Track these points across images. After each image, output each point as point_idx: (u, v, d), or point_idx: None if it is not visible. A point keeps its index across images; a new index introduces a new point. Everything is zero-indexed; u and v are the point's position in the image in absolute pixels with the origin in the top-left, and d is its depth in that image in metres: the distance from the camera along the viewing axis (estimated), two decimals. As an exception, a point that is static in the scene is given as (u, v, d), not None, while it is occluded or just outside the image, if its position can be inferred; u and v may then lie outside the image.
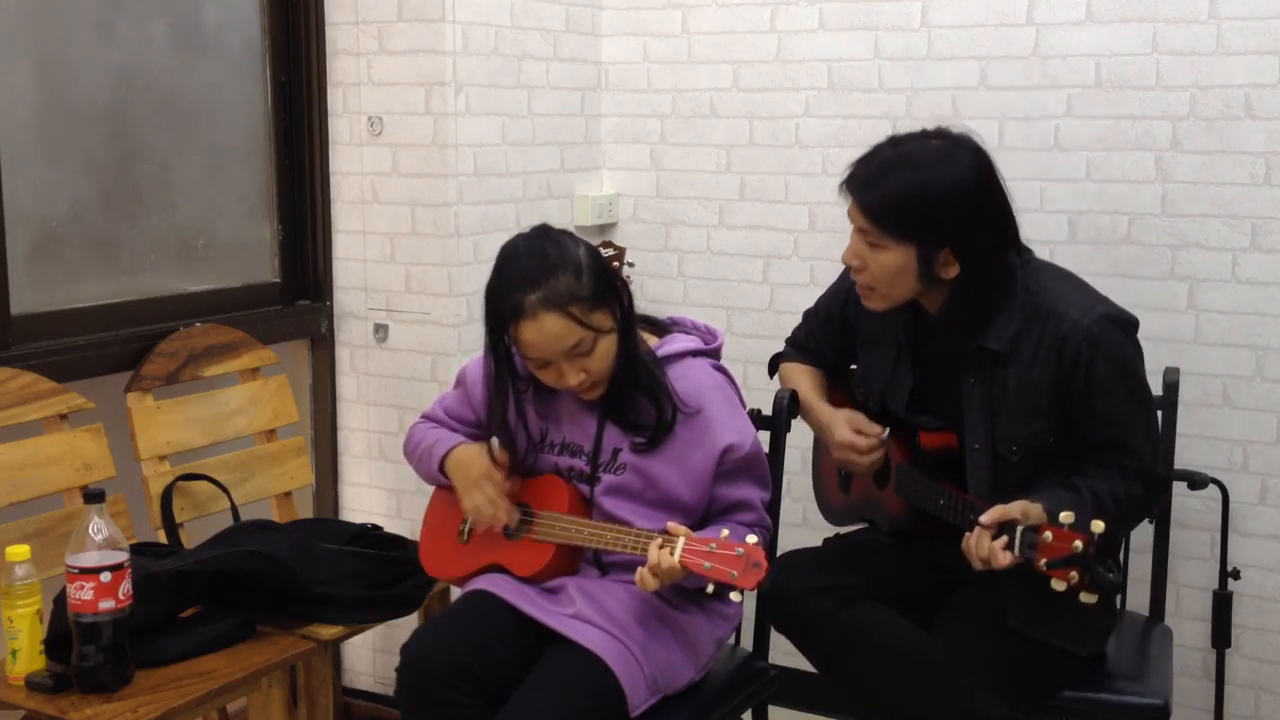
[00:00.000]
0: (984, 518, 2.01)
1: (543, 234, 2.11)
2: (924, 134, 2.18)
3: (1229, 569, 2.73)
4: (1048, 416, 2.18)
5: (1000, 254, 2.18)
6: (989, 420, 2.21)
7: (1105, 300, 2.20)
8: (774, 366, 2.64)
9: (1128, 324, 2.18)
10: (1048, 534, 1.94)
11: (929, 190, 2.09)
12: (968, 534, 2.05)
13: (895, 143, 2.17)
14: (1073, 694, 2.24)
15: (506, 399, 2.20)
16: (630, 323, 2.14)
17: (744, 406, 2.25)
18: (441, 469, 2.29)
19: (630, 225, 3.43)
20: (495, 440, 2.25)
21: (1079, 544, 1.90)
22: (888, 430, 2.35)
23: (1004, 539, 1.99)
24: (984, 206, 2.15)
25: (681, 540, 1.98)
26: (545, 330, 2.04)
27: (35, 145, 2.53)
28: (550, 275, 2.04)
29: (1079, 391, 2.15)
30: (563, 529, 2.15)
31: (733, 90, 3.26)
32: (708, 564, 1.94)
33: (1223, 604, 2.73)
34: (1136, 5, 2.80)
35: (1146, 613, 2.60)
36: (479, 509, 2.21)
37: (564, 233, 2.13)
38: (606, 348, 2.09)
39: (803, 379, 2.51)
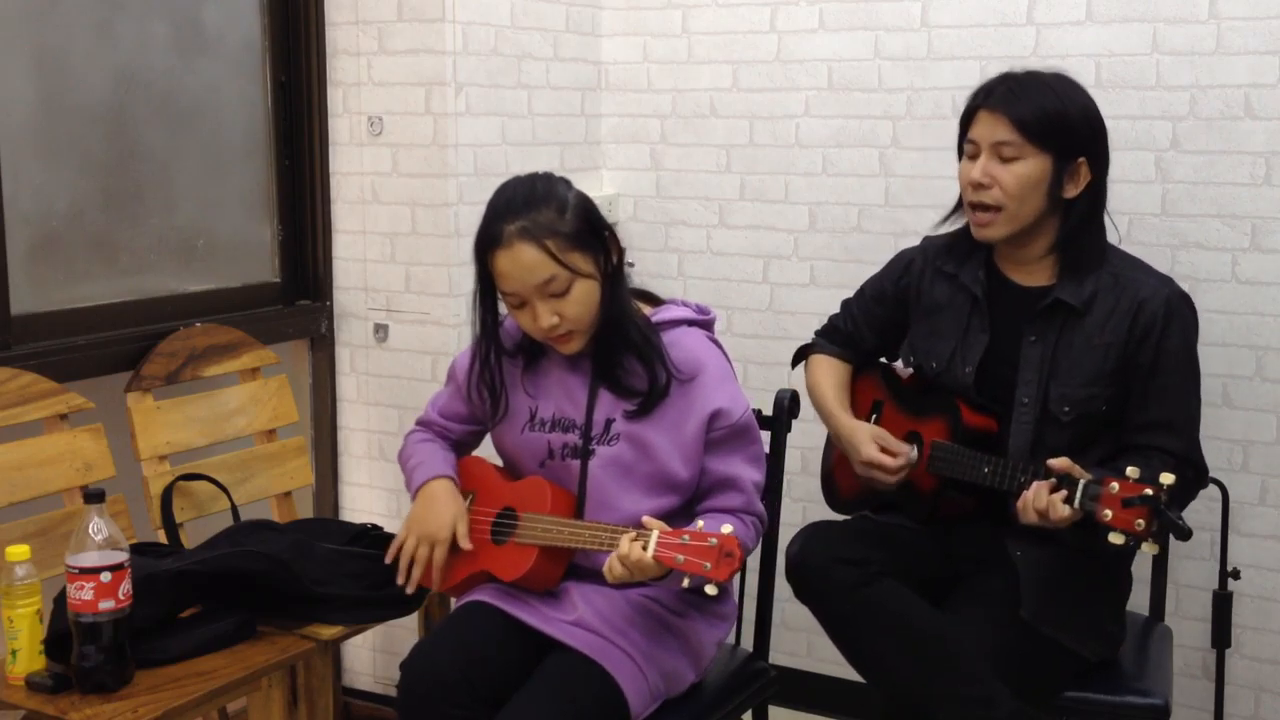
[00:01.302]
0: (1051, 461, 2.05)
1: (536, 175, 2.14)
2: (1035, 70, 2.29)
3: (1229, 569, 2.73)
4: (1108, 383, 2.23)
5: (1104, 185, 2.29)
6: (1044, 378, 2.25)
7: (1176, 281, 2.29)
8: (798, 359, 2.63)
9: (1195, 309, 2.29)
10: (1114, 485, 1.95)
11: (1067, 103, 2.23)
12: (1025, 493, 2.07)
13: (1012, 74, 2.27)
14: (1074, 693, 2.24)
15: (489, 350, 2.19)
16: (619, 278, 2.13)
17: (737, 379, 2.23)
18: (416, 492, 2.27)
19: (630, 225, 3.43)
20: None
21: (1149, 490, 1.91)
22: (915, 449, 2.36)
23: (1064, 492, 2.02)
24: (1104, 129, 2.28)
25: (655, 534, 1.94)
26: (519, 260, 2.04)
27: (35, 145, 2.53)
28: (532, 208, 2.06)
29: (1145, 363, 2.22)
30: (544, 530, 2.12)
31: (733, 90, 3.26)
32: (680, 557, 1.91)
33: (1223, 604, 2.73)
34: (1136, 5, 2.80)
35: (1146, 613, 2.60)
36: (402, 553, 2.22)
37: (560, 178, 2.14)
38: (583, 293, 2.07)
39: (827, 376, 2.53)
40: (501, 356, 2.22)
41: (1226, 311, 2.79)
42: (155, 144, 2.77)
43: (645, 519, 1.99)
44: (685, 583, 1.93)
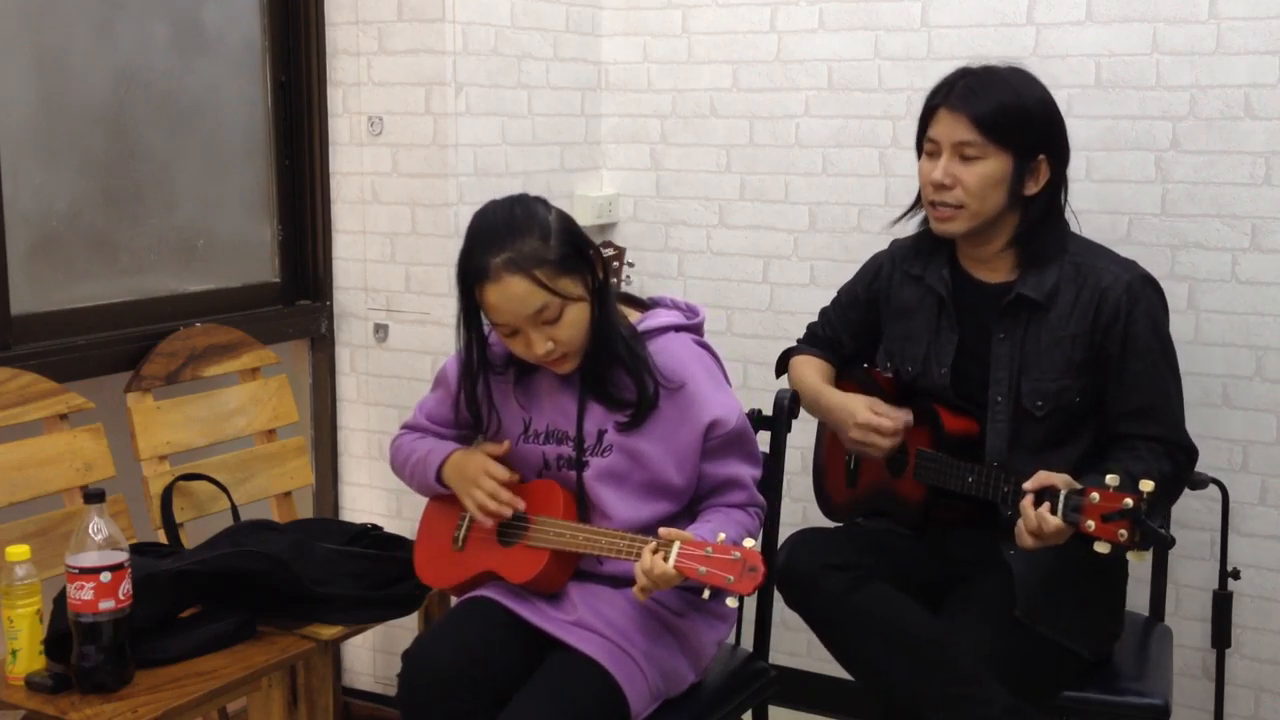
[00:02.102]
0: (1028, 484, 2.05)
1: (515, 199, 2.10)
2: (992, 65, 2.29)
3: (1229, 569, 2.73)
4: (1079, 374, 2.23)
5: (1064, 180, 2.29)
6: (1015, 375, 2.25)
7: (1139, 265, 2.28)
8: (782, 364, 2.64)
9: (1161, 289, 2.28)
10: (1094, 495, 1.95)
11: (1026, 100, 2.24)
12: (1019, 524, 2.06)
13: (970, 70, 2.27)
14: (1073, 694, 2.24)
15: (475, 375, 2.18)
16: (605, 294, 2.11)
17: (728, 382, 2.23)
18: (439, 479, 2.25)
19: (630, 225, 3.43)
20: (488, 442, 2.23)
21: (1129, 501, 1.91)
22: (910, 413, 2.35)
23: (1047, 505, 2.02)
24: (1062, 123, 2.28)
25: (676, 545, 1.94)
26: (509, 293, 2.01)
27: (35, 145, 2.53)
28: (516, 237, 2.02)
29: (1114, 351, 2.21)
30: (557, 534, 2.12)
31: (733, 90, 3.26)
32: (703, 569, 1.91)
33: (1223, 604, 2.73)
34: (1136, 5, 2.80)
35: (1146, 613, 2.60)
36: (482, 504, 2.17)
37: (538, 199, 2.10)
38: (575, 316, 2.06)
39: (811, 368, 2.53)
40: (490, 384, 2.20)
41: (1226, 311, 2.79)
42: (155, 144, 2.77)
43: (663, 530, 1.98)
44: (706, 594, 1.93)
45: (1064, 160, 2.28)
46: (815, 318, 2.64)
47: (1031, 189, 2.24)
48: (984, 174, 2.21)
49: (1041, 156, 2.23)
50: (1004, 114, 2.20)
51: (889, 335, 2.45)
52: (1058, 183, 2.27)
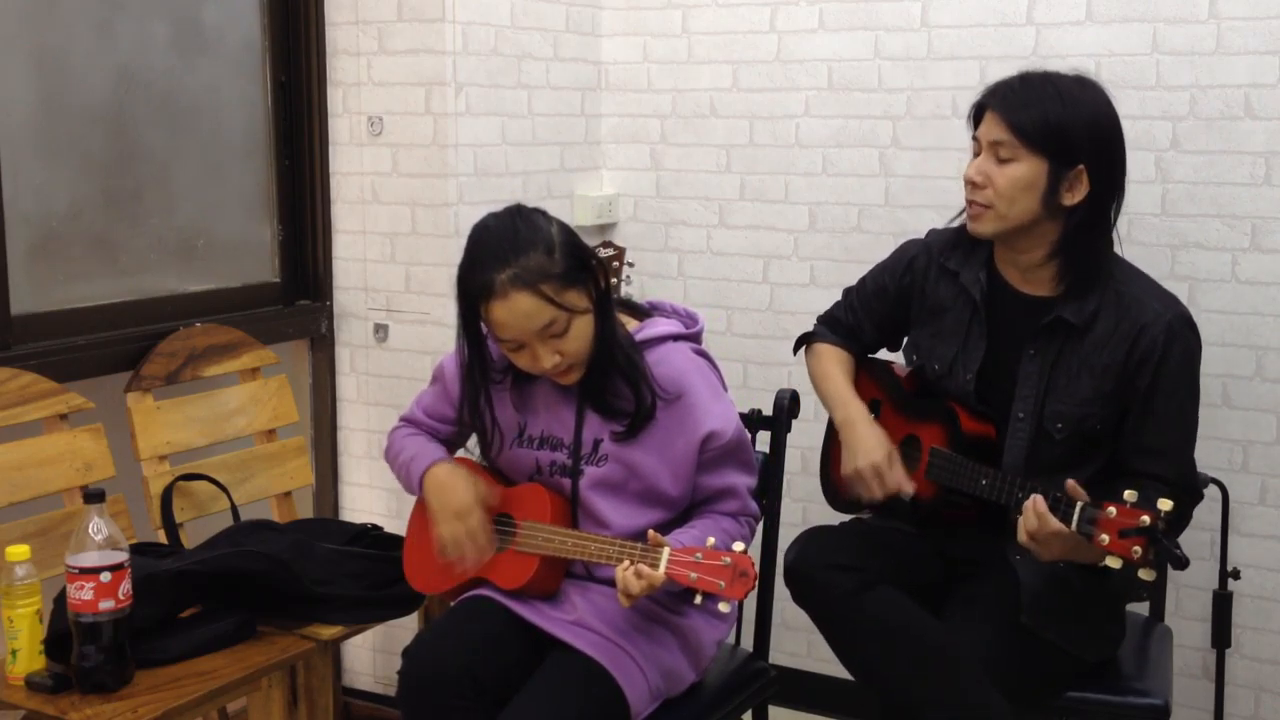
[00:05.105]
0: (1069, 482, 2.02)
1: (514, 212, 2.07)
2: (1057, 72, 2.24)
3: (1229, 569, 2.73)
4: (1104, 403, 2.21)
5: (1114, 199, 2.24)
6: (1041, 394, 2.23)
7: (1181, 302, 2.24)
8: (800, 345, 2.61)
9: (1198, 332, 2.24)
10: (1111, 510, 1.93)
11: (1074, 107, 2.18)
12: (1026, 510, 2.05)
13: (1029, 74, 2.23)
14: (1074, 694, 2.23)
15: (478, 388, 2.17)
16: (607, 304, 2.09)
17: (725, 390, 2.21)
18: (421, 485, 2.23)
19: (630, 225, 3.43)
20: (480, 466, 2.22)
21: (1146, 519, 1.89)
22: (912, 487, 2.32)
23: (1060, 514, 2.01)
24: (1116, 142, 2.23)
25: (666, 551, 1.94)
26: (516, 310, 1.99)
27: (35, 145, 2.53)
28: (521, 253, 1.99)
29: (1142, 386, 2.19)
30: (546, 540, 2.11)
31: (733, 90, 3.26)
32: (694, 574, 1.90)
33: (1223, 604, 2.73)
34: (1136, 5, 2.80)
35: (1146, 613, 2.60)
36: (445, 543, 2.15)
37: (537, 210, 2.08)
38: (581, 329, 2.04)
39: (834, 362, 2.49)
40: (490, 395, 2.19)
41: (1226, 311, 2.79)
42: (155, 144, 2.77)
43: (652, 535, 1.98)
44: (698, 599, 1.93)
45: (1111, 178, 2.22)
46: (814, 318, 2.63)
47: (1069, 200, 2.18)
48: (1014, 177, 2.17)
49: (1081, 167, 2.17)
50: (1043, 119, 2.16)
51: (917, 331, 2.43)
52: (1102, 199, 2.21)
